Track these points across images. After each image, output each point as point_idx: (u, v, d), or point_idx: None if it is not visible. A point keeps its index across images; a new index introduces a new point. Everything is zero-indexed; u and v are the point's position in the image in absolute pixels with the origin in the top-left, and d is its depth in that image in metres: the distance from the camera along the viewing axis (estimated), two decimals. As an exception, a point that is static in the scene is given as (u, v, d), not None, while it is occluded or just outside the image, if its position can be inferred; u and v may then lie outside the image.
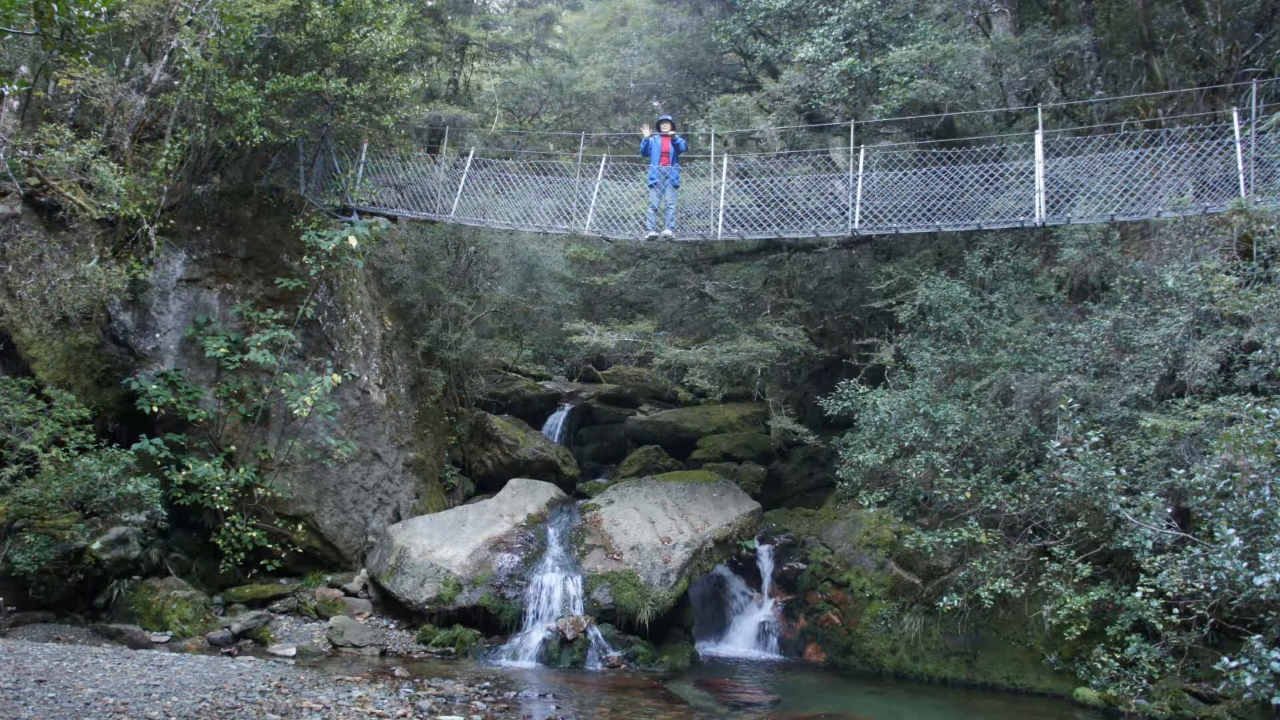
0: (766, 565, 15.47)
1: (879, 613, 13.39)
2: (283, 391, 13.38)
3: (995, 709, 11.25)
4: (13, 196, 12.96)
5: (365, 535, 14.95)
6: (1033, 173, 12.21)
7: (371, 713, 8.38)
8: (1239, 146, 11.14)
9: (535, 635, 12.80)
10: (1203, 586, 9.61)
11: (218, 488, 12.94)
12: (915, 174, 13.03)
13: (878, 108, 14.86)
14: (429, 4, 21.44)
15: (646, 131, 13.97)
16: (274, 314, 13.80)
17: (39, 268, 12.98)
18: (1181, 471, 10.22)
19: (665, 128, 13.75)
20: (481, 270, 18.14)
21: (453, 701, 9.67)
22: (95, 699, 7.18)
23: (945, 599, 11.94)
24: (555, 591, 13.32)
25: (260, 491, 13.48)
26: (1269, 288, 10.93)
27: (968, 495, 12.08)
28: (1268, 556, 8.82)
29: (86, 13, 6.50)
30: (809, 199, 13.91)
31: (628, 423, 22.30)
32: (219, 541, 13.31)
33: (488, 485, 17.80)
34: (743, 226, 13.77)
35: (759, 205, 13.71)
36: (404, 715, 8.59)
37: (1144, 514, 10.45)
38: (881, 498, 13.10)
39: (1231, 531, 9.23)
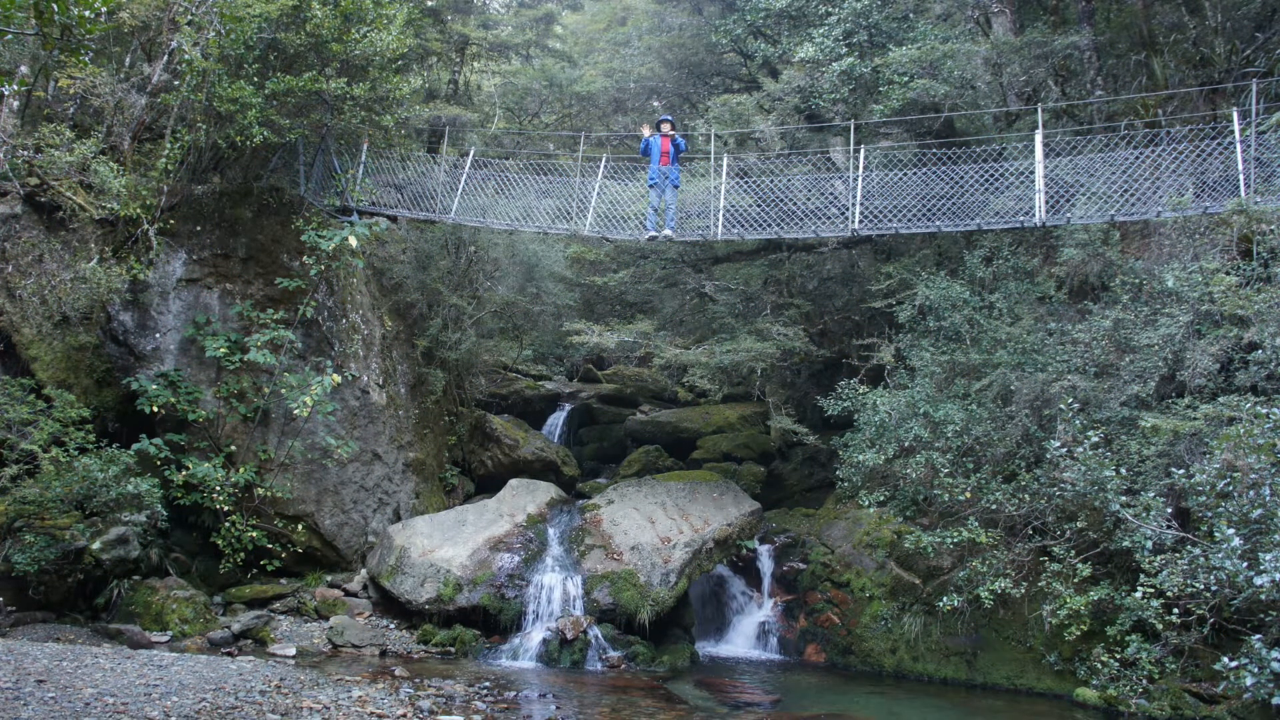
0: (766, 565, 15.47)
1: (879, 613, 13.39)
2: (283, 391, 13.38)
3: (995, 709, 11.25)
4: (13, 196, 12.96)
5: (365, 535, 14.95)
6: (1033, 173, 12.21)
7: (371, 713, 8.38)
8: (1239, 146, 11.13)
9: (535, 635, 12.80)
10: (1203, 586, 9.62)
11: (218, 488, 12.94)
12: (915, 174, 13.03)
13: (878, 108, 14.86)
14: (429, 4, 21.44)
15: (646, 131, 13.96)
16: (274, 314, 13.80)
17: (39, 268, 12.98)
18: (1181, 471, 10.22)
19: (665, 128, 13.75)
20: (481, 270, 18.14)
21: (453, 701, 9.67)
22: (95, 699, 7.17)
23: (945, 599, 11.94)
24: (555, 591, 13.32)
25: (260, 491, 13.48)
26: (1269, 288, 10.93)
27: (968, 495, 12.08)
28: (1268, 556, 8.83)
29: (86, 13, 6.50)
30: (809, 199, 13.90)
31: (628, 423, 22.30)
32: (219, 541, 13.32)
33: (488, 485, 17.81)
34: (743, 226, 13.77)
35: (759, 205, 13.71)
36: (404, 715, 8.59)
37: (1144, 514, 10.46)
38: (881, 498, 13.10)
39: (1231, 531, 9.24)
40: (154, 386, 12.96)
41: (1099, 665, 10.83)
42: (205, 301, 14.06)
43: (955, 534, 12.00)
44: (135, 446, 12.46)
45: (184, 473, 12.82)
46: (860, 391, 13.95)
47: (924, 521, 12.86)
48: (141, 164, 14.04)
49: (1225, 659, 8.92)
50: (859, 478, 13.26)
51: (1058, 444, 11.17)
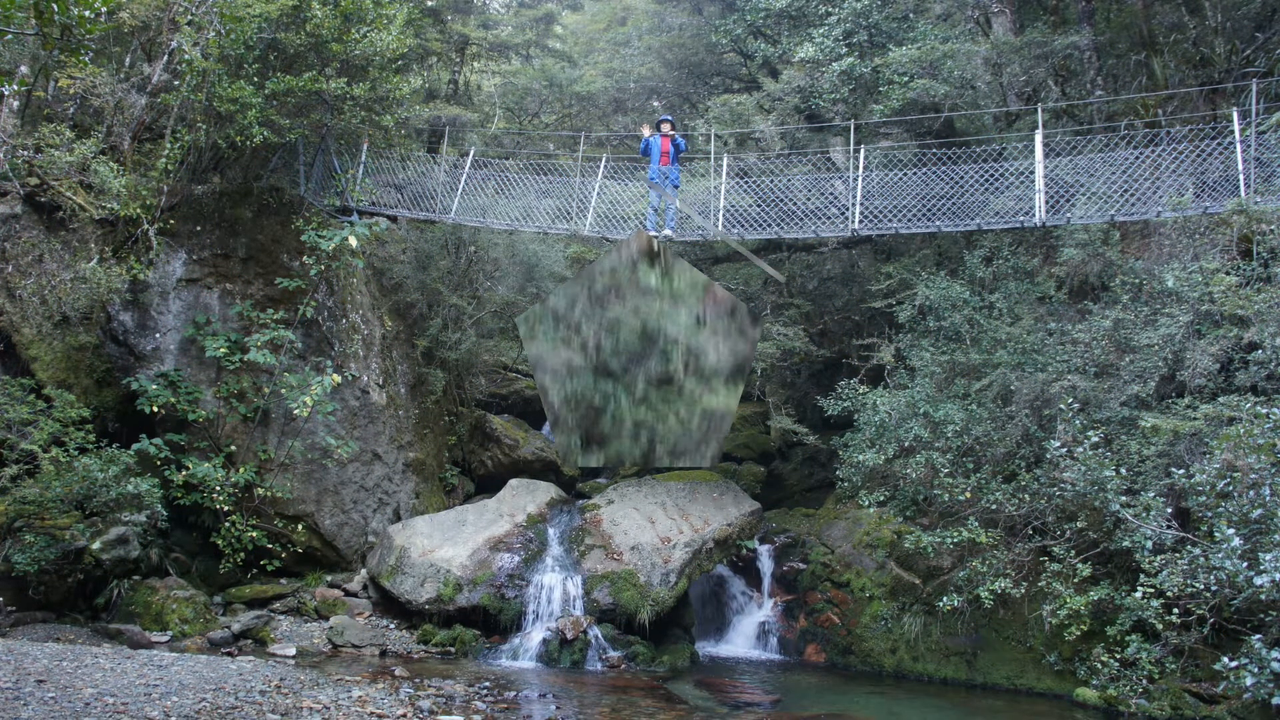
0: (766, 565, 15.47)
1: (879, 613, 13.39)
2: (283, 391, 13.38)
3: (995, 709, 11.24)
4: (13, 196, 12.96)
5: (365, 535, 14.95)
6: (1033, 173, 12.21)
7: (371, 713, 8.38)
8: (1239, 146, 11.14)
9: (535, 635, 12.79)
10: (1203, 586, 9.62)
11: (218, 488, 12.94)
12: (915, 174, 13.03)
13: (878, 108, 14.87)
14: (429, 4, 21.44)
15: (646, 131, 13.95)
16: (274, 314, 13.80)
17: (39, 268, 12.98)
18: (1181, 471, 10.22)
19: (665, 128, 13.73)
20: (481, 270, 18.14)
21: (453, 701, 9.67)
22: (95, 699, 7.17)
23: (945, 599, 11.94)
24: (555, 591, 13.31)
25: (260, 491, 13.48)
26: (1269, 288, 10.93)
27: (968, 495, 12.08)
28: (1268, 556, 8.83)
29: (86, 13, 6.50)
30: (809, 199, 13.91)
31: (628, 422, 22.26)
32: (219, 541, 13.31)
33: (488, 485, 17.80)
34: (743, 226, 13.77)
35: (759, 205, 13.72)
36: (404, 715, 8.59)
37: (1144, 514, 10.46)
38: (881, 498, 13.10)
39: (1231, 531, 9.24)
40: (154, 386, 12.96)
41: (1099, 665, 10.83)
42: (205, 301, 14.06)
43: (955, 534, 11.99)
44: (135, 446, 12.46)
45: (184, 473, 12.82)
46: (860, 391, 13.95)
47: (924, 521, 12.86)
48: (141, 164, 14.04)
49: (1225, 659, 8.92)
50: (859, 478, 13.26)
51: (1058, 444, 11.17)
